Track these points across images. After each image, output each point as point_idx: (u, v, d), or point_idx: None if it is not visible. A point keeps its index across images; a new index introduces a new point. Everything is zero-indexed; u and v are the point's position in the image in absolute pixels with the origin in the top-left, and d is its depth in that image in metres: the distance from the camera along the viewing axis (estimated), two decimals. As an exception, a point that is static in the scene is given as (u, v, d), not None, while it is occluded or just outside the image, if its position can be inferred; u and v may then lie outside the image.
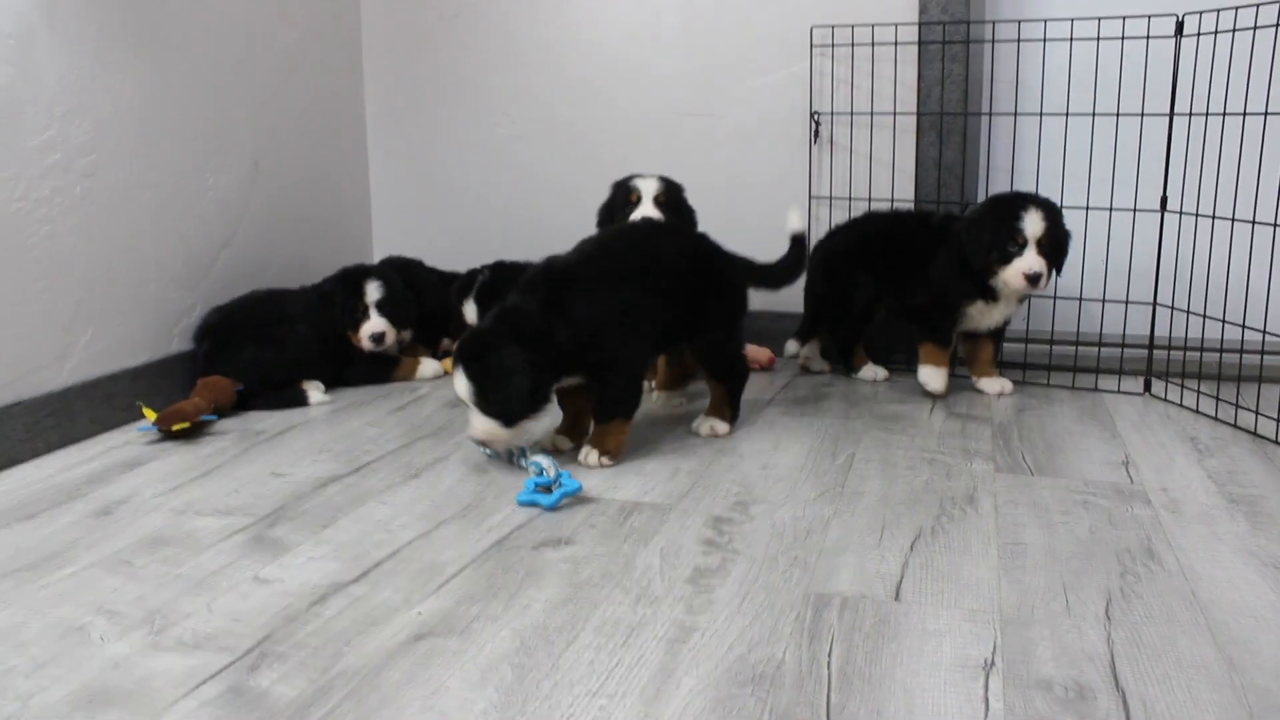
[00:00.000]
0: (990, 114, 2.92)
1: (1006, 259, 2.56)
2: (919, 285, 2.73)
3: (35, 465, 2.29)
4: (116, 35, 2.52)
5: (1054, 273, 2.60)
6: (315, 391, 2.76)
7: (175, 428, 2.41)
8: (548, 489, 1.99)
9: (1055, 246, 2.57)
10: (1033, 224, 2.54)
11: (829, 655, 1.43)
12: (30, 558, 1.81)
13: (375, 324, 2.88)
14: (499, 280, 2.95)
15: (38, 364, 2.35)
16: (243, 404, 2.68)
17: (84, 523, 1.96)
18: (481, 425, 2.10)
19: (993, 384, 2.76)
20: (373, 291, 2.89)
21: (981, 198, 3.00)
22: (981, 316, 2.70)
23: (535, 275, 2.24)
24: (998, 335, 2.79)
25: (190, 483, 2.16)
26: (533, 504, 1.97)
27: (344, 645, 1.48)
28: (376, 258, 3.52)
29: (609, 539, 1.83)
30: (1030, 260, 2.54)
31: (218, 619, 1.57)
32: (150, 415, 2.43)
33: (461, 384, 2.09)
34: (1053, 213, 2.57)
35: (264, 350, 2.71)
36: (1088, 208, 2.76)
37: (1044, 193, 2.82)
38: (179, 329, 2.76)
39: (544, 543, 1.82)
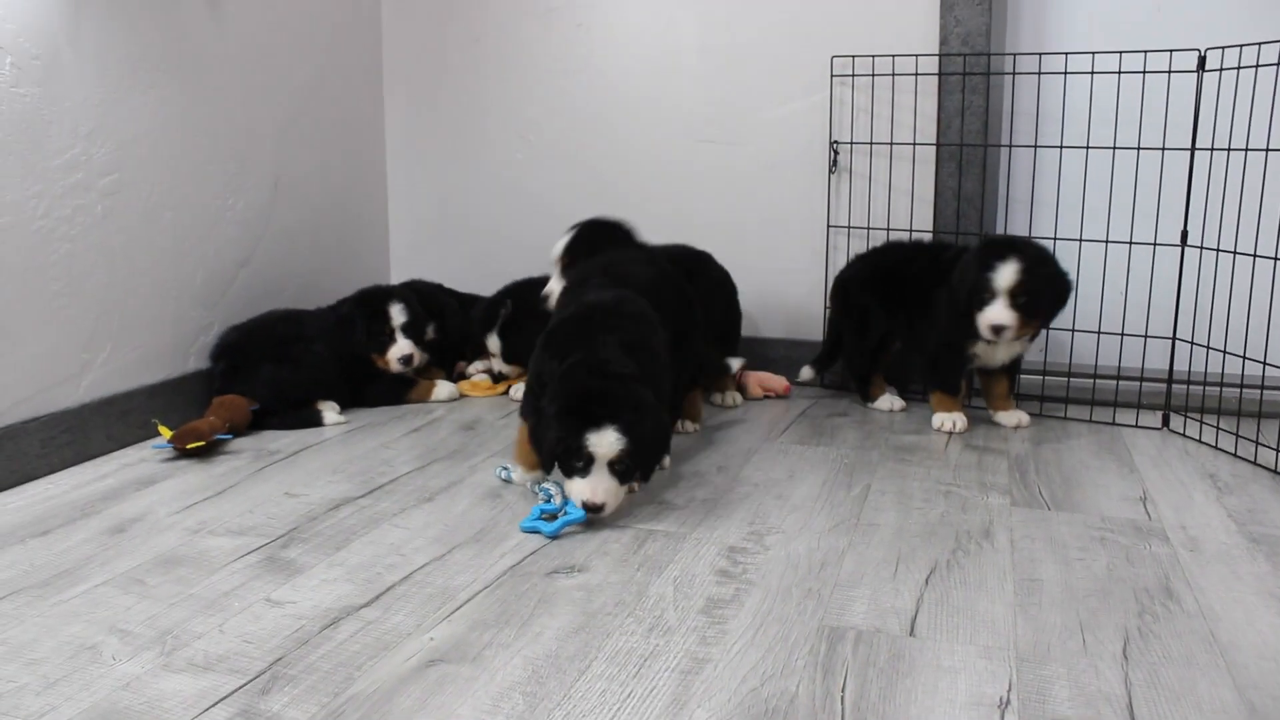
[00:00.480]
0: (1010, 146, 2.92)
1: (980, 306, 2.53)
2: (927, 324, 2.72)
3: (50, 481, 2.29)
4: (140, 58, 2.54)
5: (1036, 321, 2.56)
6: (330, 412, 2.76)
7: (190, 446, 2.41)
8: (553, 516, 1.98)
9: (1032, 298, 2.50)
10: (1004, 276, 2.48)
11: (843, 690, 1.42)
12: (43, 574, 1.81)
13: (403, 346, 2.89)
14: (521, 312, 2.97)
15: (55, 380, 2.36)
16: (258, 423, 2.68)
17: (97, 540, 1.96)
18: (607, 487, 1.98)
19: (1009, 417, 2.74)
20: (397, 314, 2.89)
21: (1000, 230, 3.00)
22: (987, 354, 2.67)
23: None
24: (1013, 368, 2.75)
25: (204, 502, 2.16)
26: (534, 531, 1.96)
27: (355, 670, 1.47)
28: (394, 279, 3.53)
29: (622, 567, 1.82)
30: (994, 313, 2.50)
31: (229, 640, 1.56)
32: (166, 433, 2.43)
33: (610, 441, 1.96)
34: (1032, 263, 2.50)
35: (280, 369, 2.71)
36: (1107, 241, 2.75)
37: (1063, 225, 2.82)
38: (196, 347, 2.77)
39: (557, 570, 1.81)
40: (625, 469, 2.00)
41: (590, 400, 1.98)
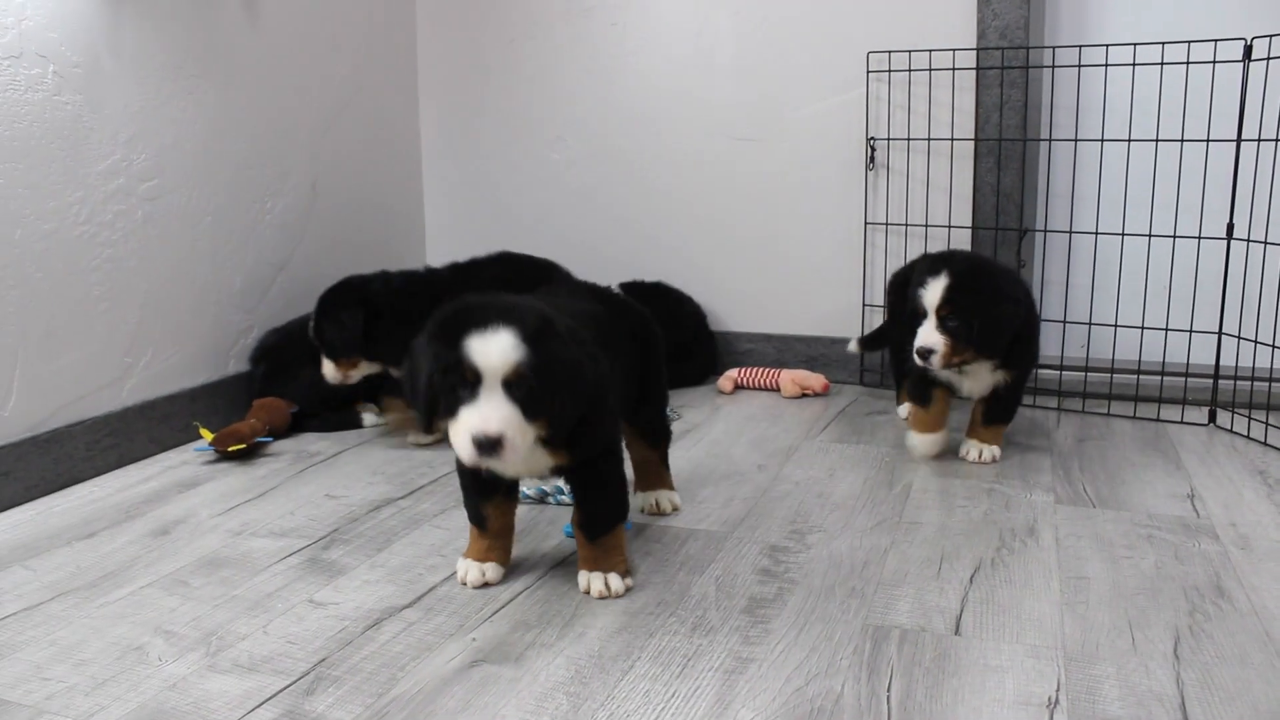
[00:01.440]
0: (1050, 140, 2.89)
1: (913, 326, 2.27)
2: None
3: (95, 484, 2.32)
4: (178, 64, 2.56)
5: (972, 349, 2.22)
6: (369, 414, 2.77)
7: (231, 449, 2.43)
8: None
9: (962, 320, 2.19)
10: (931, 293, 2.21)
11: (888, 689, 1.40)
12: (90, 576, 1.82)
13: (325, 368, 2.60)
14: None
15: (98, 384, 2.39)
16: (297, 425, 2.70)
17: (142, 542, 1.98)
18: (504, 415, 1.49)
19: (973, 449, 2.39)
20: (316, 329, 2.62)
21: (1040, 224, 2.96)
22: (955, 381, 2.36)
23: None
24: (996, 398, 2.38)
25: (246, 504, 2.18)
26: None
27: (399, 670, 1.48)
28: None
29: (664, 567, 1.81)
30: (923, 334, 2.22)
31: (273, 641, 1.57)
32: (207, 436, 2.45)
33: (502, 348, 1.49)
34: (962, 279, 2.20)
35: (320, 372, 2.72)
36: (1150, 235, 2.71)
37: (1105, 220, 2.78)
38: (236, 350, 2.79)
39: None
40: (529, 395, 1.50)
41: (472, 310, 1.54)
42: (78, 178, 2.31)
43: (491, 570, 1.75)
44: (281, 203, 2.93)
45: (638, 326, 1.98)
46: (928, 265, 2.28)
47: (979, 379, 2.33)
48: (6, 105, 2.15)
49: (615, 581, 1.70)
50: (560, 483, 2.07)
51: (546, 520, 2.04)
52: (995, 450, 2.39)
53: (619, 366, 1.78)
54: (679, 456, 2.36)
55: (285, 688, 1.44)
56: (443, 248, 3.59)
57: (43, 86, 2.23)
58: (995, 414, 2.40)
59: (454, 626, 1.60)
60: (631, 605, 1.67)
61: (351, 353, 2.56)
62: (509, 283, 2.53)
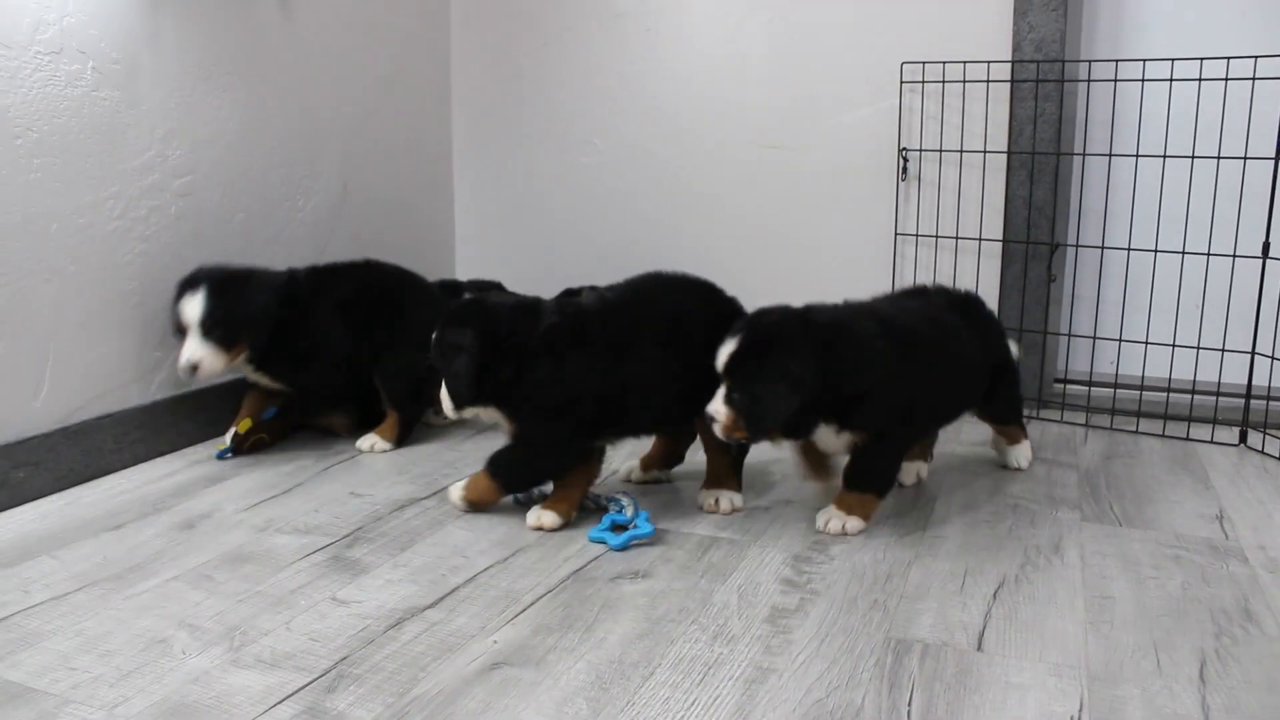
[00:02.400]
0: (1084, 154, 2.87)
1: None
2: None
3: (122, 476, 2.34)
4: (215, 62, 2.58)
5: (745, 422, 1.88)
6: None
7: (248, 435, 2.47)
8: (622, 528, 1.97)
9: (741, 393, 1.87)
10: (721, 355, 1.92)
11: (909, 704, 1.40)
12: (116, 568, 1.84)
13: (190, 349, 2.32)
14: None
15: (129, 377, 2.41)
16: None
17: (168, 535, 1.99)
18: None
19: (825, 516, 2.03)
20: (192, 306, 2.32)
21: (1072, 239, 2.94)
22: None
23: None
24: (855, 460, 2.04)
25: (271, 500, 2.19)
26: (601, 541, 1.95)
27: (420, 670, 1.48)
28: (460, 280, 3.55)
29: (686, 574, 1.81)
30: (713, 402, 1.92)
31: (296, 638, 1.58)
32: (243, 426, 2.47)
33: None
34: (747, 347, 1.88)
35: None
36: (1184, 252, 2.68)
37: (1138, 235, 2.76)
38: (265, 347, 2.81)
39: (620, 575, 1.81)
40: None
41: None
42: (114, 173, 2.34)
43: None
44: (312, 201, 2.95)
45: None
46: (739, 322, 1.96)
47: (824, 438, 2.00)
48: (46, 100, 2.18)
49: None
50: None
51: (571, 524, 2.04)
52: (854, 523, 2.00)
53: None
54: (701, 463, 2.36)
55: (307, 685, 1.44)
56: (472, 248, 3.61)
57: (82, 82, 2.25)
58: (855, 479, 2.03)
59: (476, 628, 1.61)
60: (653, 612, 1.66)
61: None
62: (367, 288, 2.59)
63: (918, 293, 2.30)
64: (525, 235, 3.54)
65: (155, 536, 1.99)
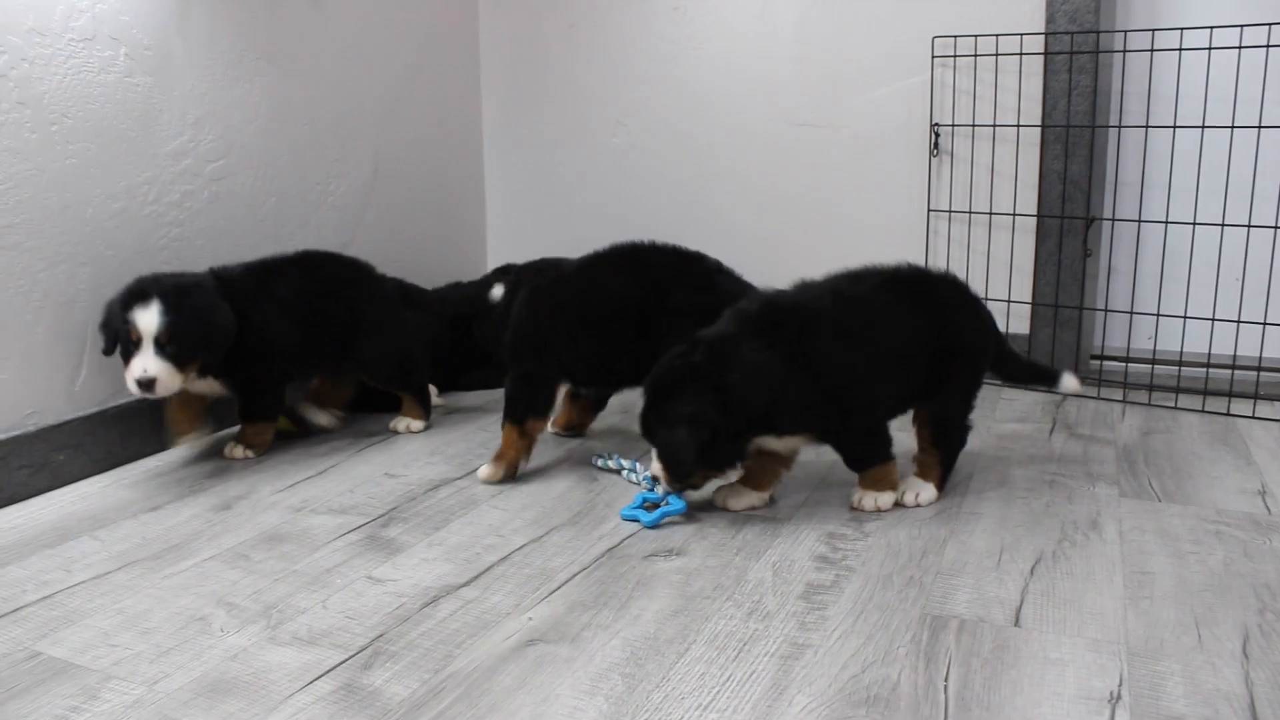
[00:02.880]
0: (1119, 126, 2.83)
1: None
2: None
3: (159, 459, 2.36)
4: (245, 46, 2.59)
5: (668, 474, 1.92)
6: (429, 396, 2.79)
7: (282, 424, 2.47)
8: (654, 506, 1.97)
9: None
10: None
11: (946, 679, 1.39)
12: (155, 548, 1.86)
13: (144, 364, 2.12)
14: None
15: (165, 361, 2.43)
16: (357, 405, 2.72)
17: (205, 516, 2.01)
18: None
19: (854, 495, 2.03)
20: (147, 319, 2.13)
21: (1108, 213, 2.90)
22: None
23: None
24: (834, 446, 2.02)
25: (306, 481, 2.21)
26: (634, 519, 1.95)
27: (455, 648, 1.49)
28: (490, 264, 3.56)
29: (720, 551, 1.81)
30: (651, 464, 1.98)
31: (332, 616, 1.59)
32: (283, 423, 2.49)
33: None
34: (645, 396, 1.93)
35: None
36: (1223, 224, 2.64)
37: (1176, 208, 2.72)
38: (299, 331, 2.83)
39: (655, 553, 1.80)
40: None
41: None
42: (147, 158, 2.35)
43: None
44: (343, 185, 2.96)
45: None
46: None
47: (776, 445, 1.98)
48: (80, 87, 2.19)
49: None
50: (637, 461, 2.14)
51: (604, 503, 2.04)
52: (928, 491, 2.05)
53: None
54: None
55: (343, 661, 1.45)
56: (503, 231, 3.61)
57: (115, 69, 2.27)
58: (852, 464, 2.04)
59: (510, 605, 1.61)
60: (688, 589, 1.66)
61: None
62: (311, 281, 2.47)
63: (859, 274, 2.09)
64: (556, 216, 3.53)
65: (193, 517, 2.01)
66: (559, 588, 1.67)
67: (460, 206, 3.51)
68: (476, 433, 2.54)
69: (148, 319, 2.11)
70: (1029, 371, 2.31)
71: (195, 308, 2.17)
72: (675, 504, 1.95)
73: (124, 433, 2.32)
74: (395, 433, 2.55)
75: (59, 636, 1.54)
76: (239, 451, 2.37)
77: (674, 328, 2.11)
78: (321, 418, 2.59)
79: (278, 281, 2.41)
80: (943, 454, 2.07)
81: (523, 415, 2.16)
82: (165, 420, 2.35)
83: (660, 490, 1.98)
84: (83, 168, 2.21)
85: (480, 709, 1.33)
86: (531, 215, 3.57)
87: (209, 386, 2.31)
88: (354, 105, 2.97)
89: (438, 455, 2.36)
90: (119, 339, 2.15)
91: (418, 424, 2.56)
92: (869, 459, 2.01)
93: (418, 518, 1.99)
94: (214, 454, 2.38)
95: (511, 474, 2.17)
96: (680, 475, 1.89)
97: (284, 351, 2.39)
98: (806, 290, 2.01)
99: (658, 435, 1.88)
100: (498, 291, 2.51)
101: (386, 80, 3.10)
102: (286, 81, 2.73)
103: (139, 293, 2.14)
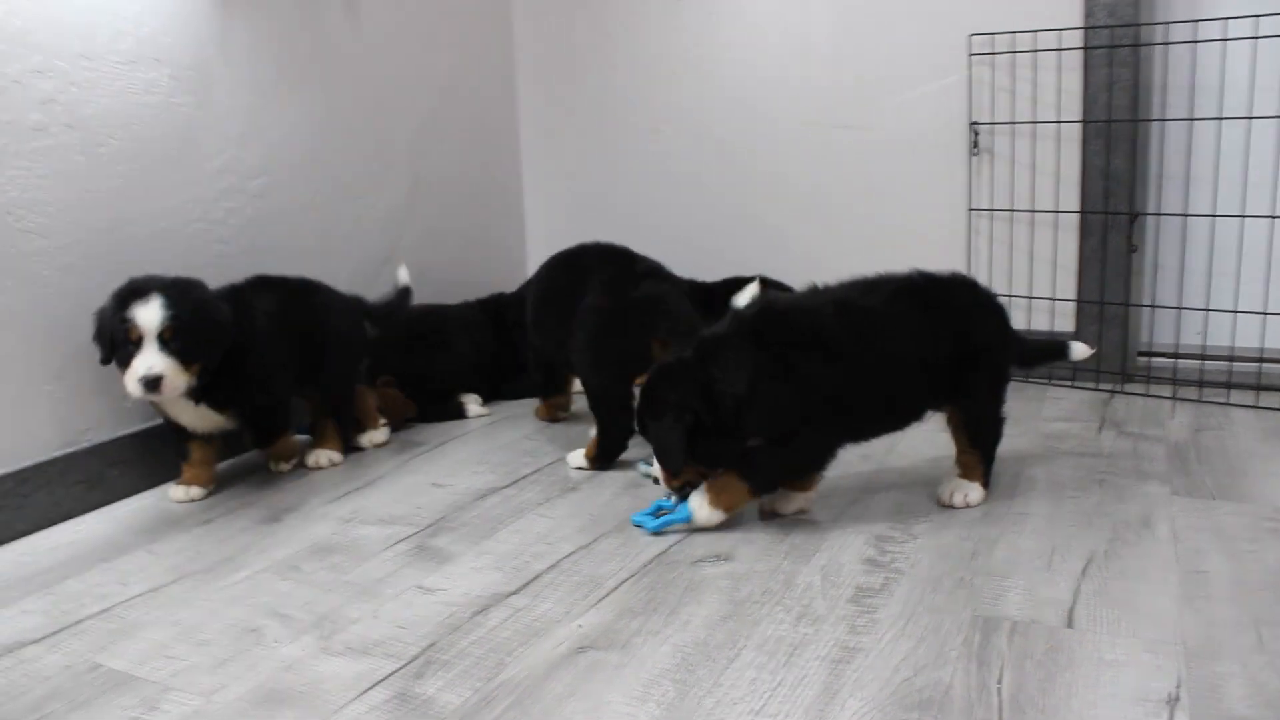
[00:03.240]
0: (1162, 120, 2.79)
1: None
2: None
3: (211, 473, 2.39)
4: (285, 64, 2.63)
5: (662, 465, 1.94)
6: (473, 405, 2.81)
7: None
8: (667, 513, 1.96)
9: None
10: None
11: (999, 682, 1.38)
12: (208, 560, 1.88)
13: (148, 361, 2.04)
14: None
15: (214, 376, 2.46)
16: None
17: (256, 529, 2.04)
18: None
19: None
20: (148, 315, 2.05)
21: (1152, 208, 2.87)
22: None
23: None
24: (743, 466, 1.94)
25: (354, 492, 2.23)
26: (639, 525, 1.95)
27: (506, 656, 1.49)
28: (530, 272, 3.57)
29: (768, 555, 1.81)
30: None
31: (384, 626, 1.60)
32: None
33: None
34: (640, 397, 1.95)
35: (422, 363, 2.77)
36: (1273, 216, 2.60)
37: (1223, 202, 2.68)
38: (343, 343, 2.85)
39: (703, 558, 1.80)
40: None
41: None
42: (191, 177, 2.39)
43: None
44: (384, 198, 2.98)
45: None
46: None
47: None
48: (125, 108, 2.23)
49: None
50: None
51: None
52: (710, 511, 1.93)
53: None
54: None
55: (396, 670, 1.47)
56: (542, 240, 3.62)
57: (158, 90, 2.30)
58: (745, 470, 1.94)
59: (560, 613, 1.62)
60: (737, 594, 1.66)
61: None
62: (290, 301, 2.41)
63: (873, 283, 2.04)
64: (595, 224, 3.53)
65: (243, 530, 2.03)
66: (608, 594, 1.68)
67: (500, 217, 3.53)
68: (522, 441, 2.55)
69: (149, 314, 2.03)
70: (1040, 352, 2.27)
71: (197, 302, 2.11)
72: (681, 513, 1.94)
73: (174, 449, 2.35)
74: (318, 467, 2.41)
75: (118, 649, 1.56)
76: (322, 459, 2.41)
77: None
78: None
79: (266, 299, 2.34)
80: (982, 451, 2.06)
81: None
82: (183, 478, 2.26)
83: (673, 499, 1.98)
84: (129, 188, 2.25)
85: (532, 716, 1.34)
86: (571, 223, 3.58)
87: (202, 416, 2.20)
88: (393, 117, 3.00)
89: (484, 464, 2.38)
90: (115, 343, 2.05)
91: (338, 456, 2.47)
92: (760, 478, 1.93)
93: (465, 527, 2.00)
94: (259, 468, 2.41)
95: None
96: (671, 465, 1.89)
97: (285, 370, 2.33)
98: (813, 297, 2.00)
99: (649, 427, 1.90)
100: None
101: (424, 93, 3.12)
102: (326, 97, 2.76)
103: (136, 290, 2.06)
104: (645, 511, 1.98)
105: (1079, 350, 2.20)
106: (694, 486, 1.95)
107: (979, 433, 2.05)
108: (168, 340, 2.04)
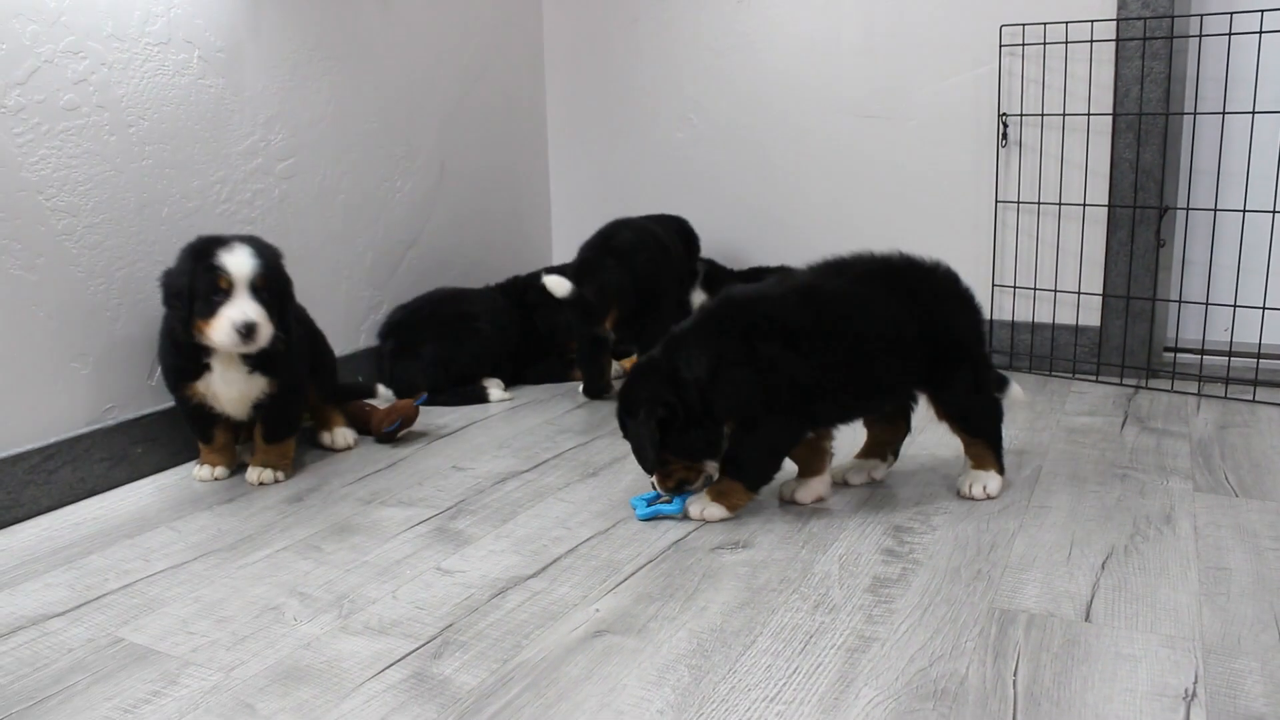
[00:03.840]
0: (1195, 113, 2.76)
1: None
2: None
3: (235, 453, 2.41)
4: (314, 48, 2.64)
5: (641, 463, 1.97)
6: (495, 389, 2.82)
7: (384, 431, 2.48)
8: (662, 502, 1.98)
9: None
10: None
11: (1014, 674, 1.37)
12: (230, 539, 1.90)
13: (243, 310, 2.02)
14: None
15: (239, 357, 2.48)
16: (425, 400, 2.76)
17: (277, 508, 2.05)
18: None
19: (694, 505, 1.97)
20: (240, 264, 2.04)
21: (1182, 202, 2.84)
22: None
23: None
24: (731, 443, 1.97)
25: (375, 474, 2.24)
26: (634, 507, 1.97)
27: (523, 638, 1.50)
28: (556, 259, 3.58)
29: (786, 544, 1.81)
30: None
31: (402, 606, 1.61)
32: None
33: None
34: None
35: (446, 347, 2.78)
36: (1302, 213, 2.58)
37: (1254, 197, 2.65)
38: (366, 325, 2.87)
39: (721, 545, 1.81)
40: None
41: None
42: (220, 157, 2.41)
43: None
44: (411, 182, 2.99)
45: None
46: None
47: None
48: (156, 89, 2.25)
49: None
50: None
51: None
52: (714, 510, 1.94)
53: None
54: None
55: (414, 650, 1.48)
56: (568, 227, 3.63)
57: (189, 71, 2.32)
58: (730, 468, 1.95)
59: (578, 597, 1.63)
60: (754, 581, 1.66)
61: None
62: None
63: (842, 264, 2.04)
64: (621, 211, 3.53)
65: (265, 509, 2.05)
66: (626, 580, 1.68)
67: (526, 203, 3.53)
68: (543, 426, 2.56)
69: (240, 262, 2.01)
70: None
71: (276, 255, 2.12)
72: (674, 506, 1.95)
73: (200, 426, 2.37)
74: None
75: (140, 623, 1.58)
76: (267, 475, 2.21)
77: None
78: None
79: None
80: (986, 438, 2.03)
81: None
82: (201, 460, 2.26)
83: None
84: (158, 168, 2.27)
85: (548, 698, 1.34)
86: (596, 210, 3.57)
87: (254, 384, 2.16)
88: (421, 103, 3.01)
89: (505, 449, 2.39)
90: (197, 295, 2.01)
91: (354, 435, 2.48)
92: (745, 472, 1.93)
93: (485, 510, 2.01)
94: (286, 447, 2.43)
95: None
96: (646, 461, 1.91)
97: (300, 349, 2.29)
98: (777, 284, 1.99)
99: (626, 427, 1.94)
100: (553, 282, 2.56)
101: (453, 78, 3.13)
102: (354, 81, 2.77)
103: (216, 241, 2.05)
104: (644, 496, 1.99)
105: (1016, 393, 2.13)
106: (690, 485, 1.96)
107: (973, 422, 2.03)
108: (259, 289, 2.03)
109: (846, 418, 2.03)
